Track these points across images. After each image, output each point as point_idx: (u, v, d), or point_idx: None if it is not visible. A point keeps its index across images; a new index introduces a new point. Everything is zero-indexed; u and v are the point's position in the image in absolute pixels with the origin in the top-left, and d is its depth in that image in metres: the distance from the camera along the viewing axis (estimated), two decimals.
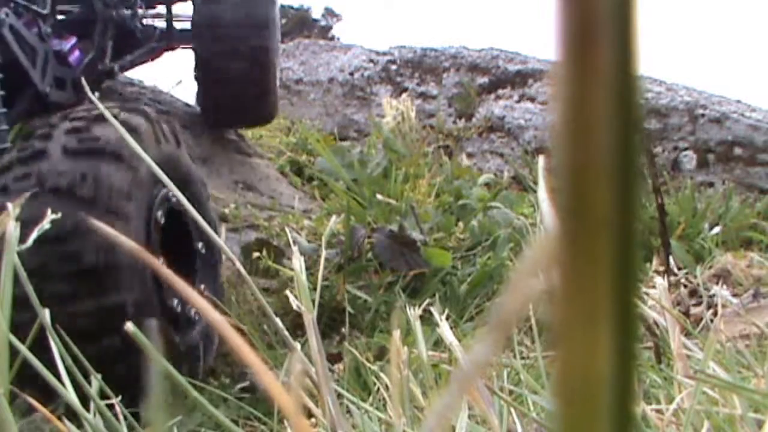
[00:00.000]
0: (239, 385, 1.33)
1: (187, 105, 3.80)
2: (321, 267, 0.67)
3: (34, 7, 2.25)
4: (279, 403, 0.18)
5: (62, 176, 1.57)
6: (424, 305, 0.73)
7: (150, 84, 3.92)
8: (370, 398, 1.05)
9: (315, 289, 0.58)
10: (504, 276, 2.09)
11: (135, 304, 1.52)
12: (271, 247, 2.13)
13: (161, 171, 0.47)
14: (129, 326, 0.36)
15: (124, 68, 3.04)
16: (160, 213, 1.74)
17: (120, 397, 0.50)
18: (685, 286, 1.81)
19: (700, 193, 3.37)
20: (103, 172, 1.58)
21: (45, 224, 0.46)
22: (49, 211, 0.48)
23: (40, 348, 0.42)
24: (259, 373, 0.18)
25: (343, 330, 1.79)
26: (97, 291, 1.49)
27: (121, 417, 0.50)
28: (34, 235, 0.44)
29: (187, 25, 3.17)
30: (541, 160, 0.46)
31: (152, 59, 3.24)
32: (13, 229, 0.42)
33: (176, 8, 3.30)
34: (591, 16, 0.11)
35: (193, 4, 3.07)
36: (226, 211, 2.82)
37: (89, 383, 0.47)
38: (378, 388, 0.94)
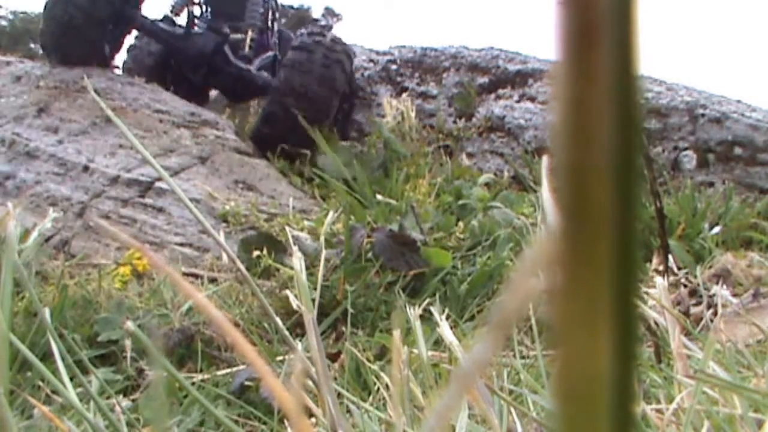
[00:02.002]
0: (233, 386, 1.33)
1: (187, 104, 3.80)
2: (321, 267, 0.67)
3: None
4: (280, 403, 0.18)
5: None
6: (424, 305, 0.73)
7: (150, 84, 3.92)
8: (370, 398, 1.05)
9: (315, 288, 0.58)
10: (504, 276, 2.09)
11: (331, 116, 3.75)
12: (271, 244, 2.12)
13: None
14: (129, 325, 0.36)
15: None
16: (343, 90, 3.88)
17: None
18: (685, 286, 1.80)
19: (700, 193, 3.37)
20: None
21: (46, 223, 0.46)
22: (51, 210, 0.49)
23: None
24: (261, 372, 0.18)
25: (342, 329, 1.79)
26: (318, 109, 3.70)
27: (121, 416, 0.50)
28: (33, 235, 0.44)
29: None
30: (544, 159, 0.46)
31: None
32: (13, 229, 0.42)
33: None
34: (591, 16, 0.11)
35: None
36: (227, 208, 2.82)
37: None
38: (378, 388, 0.94)
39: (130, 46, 4.57)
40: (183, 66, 4.12)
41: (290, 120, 3.54)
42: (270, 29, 4.57)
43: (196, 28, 3.94)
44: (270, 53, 4.50)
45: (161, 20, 3.98)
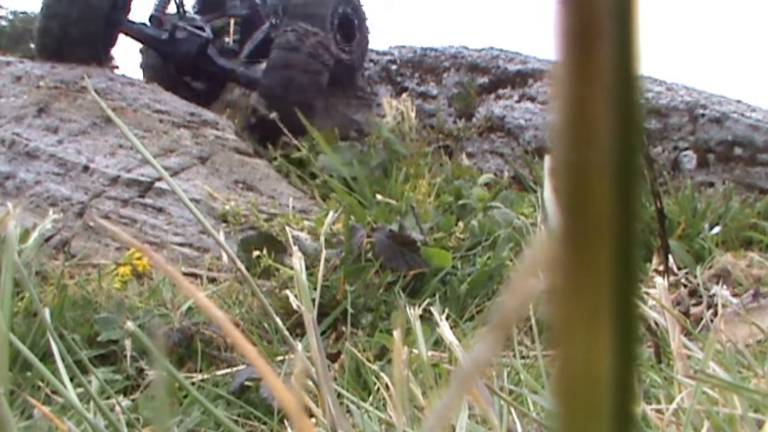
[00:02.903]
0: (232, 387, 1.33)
1: (187, 104, 3.80)
2: (321, 267, 0.67)
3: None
4: (282, 403, 0.18)
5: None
6: (424, 305, 0.73)
7: (149, 84, 3.92)
8: (370, 398, 1.05)
9: (315, 288, 0.58)
10: (504, 276, 2.09)
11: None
12: (271, 244, 2.12)
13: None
14: (129, 325, 0.36)
15: None
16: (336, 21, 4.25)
17: None
18: (685, 286, 1.80)
19: (700, 193, 3.37)
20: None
21: (47, 224, 0.46)
22: (51, 211, 0.49)
23: None
24: (262, 372, 0.18)
25: (342, 329, 1.79)
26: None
27: (121, 416, 0.50)
28: (34, 235, 0.44)
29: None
30: (546, 160, 0.46)
31: None
32: (13, 229, 0.42)
33: None
34: (591, 16, 0.11)
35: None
36: (227, 208, 2.82)
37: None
38: (378, 388, 0.94)
39: (141, 49, 4.63)
40: (171, 67, 4.32)
41: (292, 76, 3.80)
42: (256, 5, 4.65)
43: (179, 32, 4.08)
44: (262, 28, 4.54)
45: (149, 20, 4.12)
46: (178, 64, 4.18)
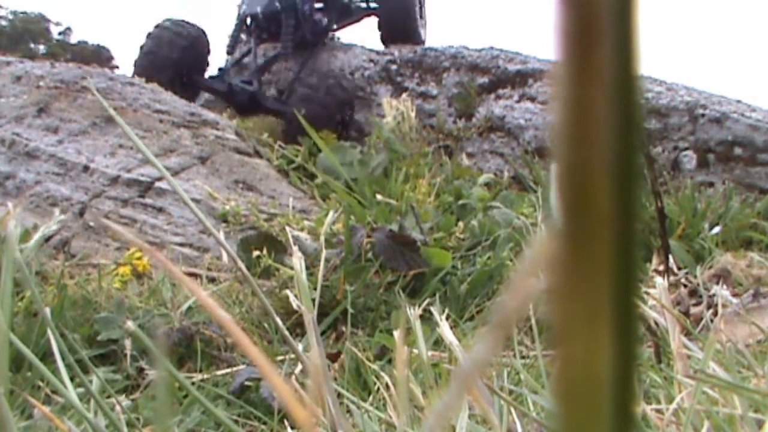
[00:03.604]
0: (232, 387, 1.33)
1: (187, 104, 3.80)
2: (321, 267, 0.67)
3: None
4: (286, 403, 0.18)
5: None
6: (424, 305, 0.73)
7: (149, 84, 3.92)
8: (370, 398, 1.05)
9: (315, 288, 0.58)
10: (504, 276, 2.09)
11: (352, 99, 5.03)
12: (271, 244, 2.12)
13: None
14: (129, 325, 0.36)
15: None
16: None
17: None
18: (685, 286, 1.80)
19: (700, 193, 3.36)
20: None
21: (51, 226, 0.46)
22: (56, 212, 0.49)
23: None
24: (264, 371, 0.18)
25: (342, 329, 1.79)
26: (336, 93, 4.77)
27: (121, 416, 0.50)
28: (37, 235, 0.44)
29: None
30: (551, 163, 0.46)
31: None
32: (13, 229, 0.42)
33: None
34: (591, 16, 0.11)
35: None
36: (227, 208, 2.82)
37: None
38: (378, 388, 0.94)
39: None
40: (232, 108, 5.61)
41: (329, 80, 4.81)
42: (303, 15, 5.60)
43: (234, 87, 5.19)
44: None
45: (218, 70, 5.38)
46: (236, 108, 5.42)
